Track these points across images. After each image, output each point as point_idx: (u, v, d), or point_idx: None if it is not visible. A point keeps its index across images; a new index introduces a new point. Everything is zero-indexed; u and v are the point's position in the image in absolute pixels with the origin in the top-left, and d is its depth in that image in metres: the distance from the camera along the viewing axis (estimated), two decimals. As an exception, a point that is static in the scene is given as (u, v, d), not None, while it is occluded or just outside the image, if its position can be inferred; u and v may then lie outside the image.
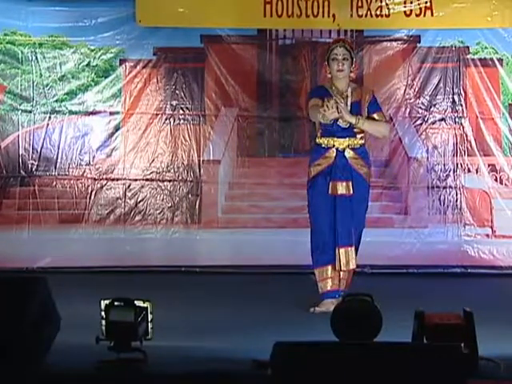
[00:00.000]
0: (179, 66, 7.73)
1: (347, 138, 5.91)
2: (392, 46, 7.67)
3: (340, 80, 5.98)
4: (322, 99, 5.89)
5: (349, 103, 5.90)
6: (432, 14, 7.50)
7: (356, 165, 5.93)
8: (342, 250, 5.90)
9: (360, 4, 7.49)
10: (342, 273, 5.92)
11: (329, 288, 5.91)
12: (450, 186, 7.62)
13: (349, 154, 5.92)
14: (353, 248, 5.93)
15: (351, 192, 5.89)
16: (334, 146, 5.92)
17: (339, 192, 5.89)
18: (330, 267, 5.90)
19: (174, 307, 5.75)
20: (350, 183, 5.89)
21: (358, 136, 5.94)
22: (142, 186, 7.67)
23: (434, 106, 7.67)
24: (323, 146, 5.95)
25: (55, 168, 7.65)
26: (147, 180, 7.67)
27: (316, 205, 5.99)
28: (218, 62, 7.64)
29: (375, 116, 5.98)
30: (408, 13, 7.52)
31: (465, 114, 7.65)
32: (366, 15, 7.50)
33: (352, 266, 5.94)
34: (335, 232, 5.89)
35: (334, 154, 5.91)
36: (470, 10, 7.49)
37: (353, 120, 5.83)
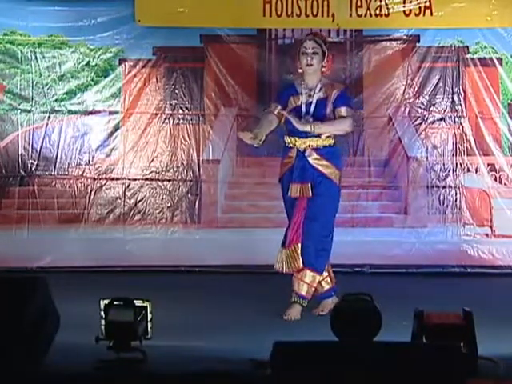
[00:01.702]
0: (179, 65, 7.73)
1: (308, 138, 5.70)
2: (391, 45, 7.67)
3: (310, 75, 5.78)
4: (286, 102, 5.75)
5: (314, 100, 5.74)
6: (431, 14, 7.50)
7: (319, 166, 5.72)
8: (283, 250, 5.75)
9: (359, 4, 7.49)
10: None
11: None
12: (450, 186, 7.62)
13: (309, 154, 5.72)
14: (292, 247, 5.70)
15: (307, 194, 5.68)
16: (295, 145, 5.76)
17: (293, 194, 5.72)
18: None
19: (174, 307, 5.75)
20: (309, 185, 5.68)
21: (323, 136, 5.71)
22: (142, 186, 7.67)
23: (434, 105, 7.67)
24: (287, 145, 5.80)
25: (55, 167, 7.65)
26: (147, 180, 7.67)
27: (285, 206, 5.89)
28: (218, 61, 7.63)
29: (341, 111, 5.72)
30: (407, 12, 7.52)
31: (464, 114, 7.65)
32: (365, 15, 7.50)
33: (287, 268, 5.73)
34: (286, 233, 5.75)
35: (295, 155, 5.75)
36: (470, 10, 7.49)
37: (307, 128, 5.63)
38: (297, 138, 5.73)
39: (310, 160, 5.72)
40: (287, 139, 5.80)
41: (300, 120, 5.69)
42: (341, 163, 5.91)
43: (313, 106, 5.73)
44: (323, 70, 5.83)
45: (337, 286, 5.88)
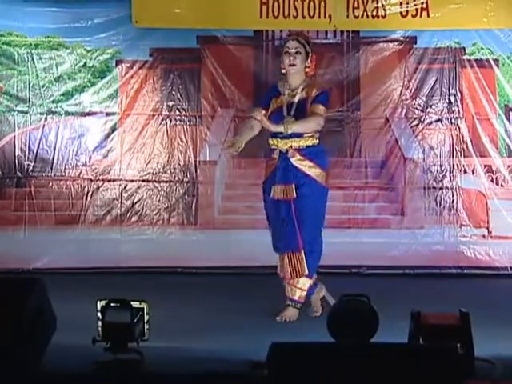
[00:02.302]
0: (175, 66, 7.73)
1: (290, 139, 5.61)
2: (388, 46, 7.68)
3: (293, 75, 5.69)
4: (268, 104, 5.68)
5: (296, 101, 5.65)
6: (428, 15, 7.50)
7: (302, 166, 5.65)
8: (281, 256, 5.70)
9: (356, 5, 7.49)
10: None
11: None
12: (447, 187, 7.62)
13: (292, 155, 5.65)
14: (294, 254, 5.65)
15: (291, 196, 5.60)
16: (277, 147, 5.68)
17: (276, 196, 5.65)
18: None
19: (171, 308, 5.75)
20: (292, 186, 5.61)
21: (307, 136, 5.65)
22: (139, 187, 7.67)
23: (431, 106, 7.68)
24: (271, 147, 5.74)
25: (51, 169, 7.65)
26: (143, 181, 7.67)
27: (266, 209, 5.81)
28: (215, 62, 7.64)
29: (315, 107, 5.62)
30: (404, 14, 7.52)
31: (461, 115, 7.66)
32: (362, 16, 7.50)
33: (289, 273, 5.67)
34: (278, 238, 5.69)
35: (277, 156, 5.68)
36: (466, 11, 7.49)
37: (280, 129, 5.53)
38: (279, 139, 5.66)
39: (293, 161, 5.64)
40: (270, 141, 5.73)
41: (279, 121, 5.62)
42: (326, 163, 5.80)
43: (294, 107, 5.65)
44: (307, 70, 5.74)
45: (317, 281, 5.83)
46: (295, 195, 5.61)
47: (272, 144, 5.72)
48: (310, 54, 5.73)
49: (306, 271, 5.68)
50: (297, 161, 5.64)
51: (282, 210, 5.65)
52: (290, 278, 5.69)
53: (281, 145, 5.66)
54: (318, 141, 5.74)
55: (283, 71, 5.76)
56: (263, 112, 5.65)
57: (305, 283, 5.73)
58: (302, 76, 5.73)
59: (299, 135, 5.64)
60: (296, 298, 5.72)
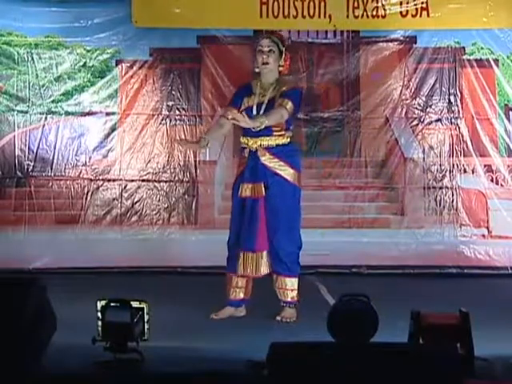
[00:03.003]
0: (175, 66, 7.73)
1: (259, 138, 5.56)
2: (388, 46, 7.68)
3: (266, 74, 5.64)
4: (240, 103, 5.65)
5: (266, 100, 5.60)
6: (428, 15, 7.50)
7: (271, 165, 5.59)
8: (242, 255, 5.63)
9: (356, 5, 7.49)
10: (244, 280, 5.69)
11: (234, 297, 5.73)
12: (446, 187, 7.62)
13: (261, 153, 5.59)
14: (261, 253, 5.62)
15: (260, 195, 5.55)
16: (247, 145, 5.65)
17: (244, 195, 5.59)
18: (237, 277, 5.70)
19: (171, 308, 5.75)
20: (261, 185, 5.55)
21: (276, 134, 5.58)
22: (139, 187, 7.67)
23: (430, 106, 7.68)
24: (242, 146, 5.70)
25: (51, 169, 7.65)
26: (143, 181, 7.67)
27: (233, 207, 5.74)
28: (215, 62, 7.63)
29: (283, 101, 5.51)
30: (404, 13, 7.52)
31: (461, 115, 7.66)
32: (362, 16, 7.50)
33: (256, 272, 5.64)
34: (239, 236, 5.63)
35: (247, 155, 5.64)
36: (466, 11, 7.49)
37: (255, 124, 5.42)
38: (249, 138, 5.62)
39: (262, 159, 5.59)
40: (242, 139, 5.70)
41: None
42: (297, 162, 5.71)
43: (264, 106, 5.59)
44: (281, 69, 5.69)
45: (249, 300, 5.78)
46: (264, 194, 5.57)
47: (243, 143, 5.69)
48: (284, 53, 5.67)
49: (267, 271, 5.65)
50: (266, 160, 5.59)
51: (249, 208, 5.60)
52: (249, 275, 5.66)
53: (250, 143, 5.62)
54: (289, 140, 5.67)
55: (257, 70, 5.72)
56: (234, 111, 5.62)
57: (293, 283, 5.70)
58: (275, 75, 5.67)
59: (269, 134, 5.58)
60: (289, 299, 5.70)
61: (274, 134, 5.59)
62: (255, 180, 5.58)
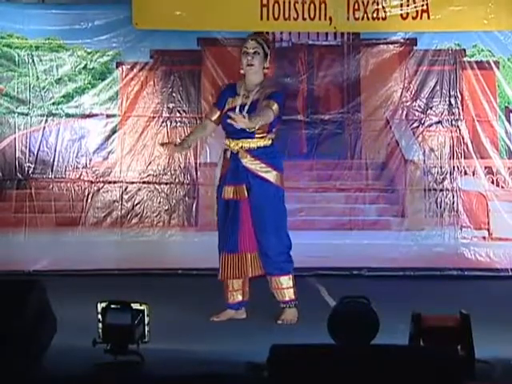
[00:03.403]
0: (176, 68, 7.73)
1: (241, 140, 5.57)
2: (389, 48, 7.68)
3: (251, 75, 5.64)
4: (224, 104, 5.66)
5: (249, 102, 5.59)
6: (428, 17, 7.50)
7: (254, 167, 5.59)
8: (224, 257, 5.66)
9: (356, 7, 7.49)
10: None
11: (232, 300, 5.74)
12: (447, 189, 7.62)
13: (242, 156, 5.59)
14: (245, 254, 5.63)
15: (242, 197, 5.57)
16: (229, 147, 5.66)
17: (227, 197, 5.62)
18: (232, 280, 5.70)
19: (171, 310, 5.75)
20: (243, 187, 5.57)
21: (258, 136, 5.58)
22: (139, 189, 7.67)
23: (431, 108, 7.68)
24: (225, 147, 5.72)
25: (52, 171, 7.65)
26: (144, 183, 7.67)
27: (218, 210, 5.78)
28: (215, 64, 7.64)
29: (268, 102, 5.52)
30: (404, 16, 7.52)
31: (461, 117, 7.66)
32: (362, 18, 7.50)
33: (240, 274, 5.65)
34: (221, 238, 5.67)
35: (229, 157, 5.65)
36: (467, 13, 7.49)
37: (252, 125, 5.42)
38: (231, 140, 5.64)
39: (244, 162, 5.59)
40: (225, 141, 5.72)
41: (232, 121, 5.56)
42: (280, 163, 5.70)
43: (246, 108, 5.59)
44: (265, 71, 5.72)
45: (248, 301, 5.78)
46: (246, 196, 5.59)
47: (225, 145, 5.72)
48: (269, 55, 5.71)
49: (256, 273, 5.66)
50: (247, 162, 5.60)
51: (232, 210, 5.63)
52: (229, 278, 5.67)
53: (232, 145, 5.64)
54: (271, 142, 5.66)
55: (242, 71, 5.73)
56: (218, 113, 5.69)
57: (288, 281, 5.70)
58: (260, 77, 5.69)
59: (250, 136, 5.58)
60: (286, 298, 5.70)
61: (256, 136, 5.60)
62: (237, 182, 5.61)
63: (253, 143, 5.60)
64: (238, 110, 5.61)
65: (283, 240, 5.70)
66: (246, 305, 5.80)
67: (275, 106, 5.55)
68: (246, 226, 5.62)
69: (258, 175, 5.60)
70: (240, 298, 5.77)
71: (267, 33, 7.70)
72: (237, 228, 5.62)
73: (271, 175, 5.63)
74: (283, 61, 7.76)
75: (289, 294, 5.70)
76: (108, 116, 7.70)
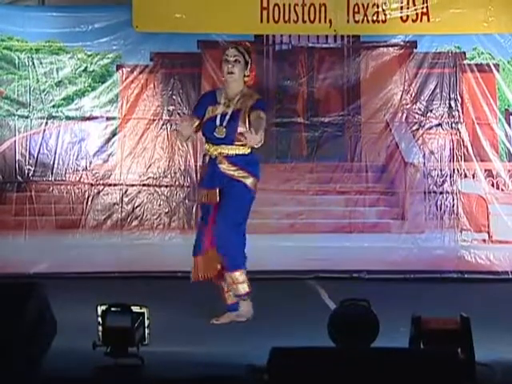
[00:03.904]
0: (176, 71, 7.73)
1: (220, 146, 5.62)
2: (388, 51, 7.68)
3: (231, 84, 5.69)
4: (204, 112, 5.68)
5: (230, 112, 5.64)
6: (428, 20, 7.51)
7: (230, 173, 5.64)
8: (193, 260, 5.72)
9: (357, 10, 7.49)
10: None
11: (227, 302, 5.75)
12: (447, 192, 7.62)
13: (220, 161, 5.64)
14: (207, 253, 5.67)
15: (214, 200, 5.61)
16: (208, 152, 5.70)
17: (202, 200, 5.70)
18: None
19: (171, 312, 5.75)
20: (216, 191, 5.60)
21: (237, 144, 5.63)
22: (139, 192, 7.67)
23: (431, 111, 7.68)
24: (204, 152, 5.78)
25: (52, 173, 7.65)
26: (144, 185, 7.67)
27: (201, 213, 5.85)
28: (215, 67, 7.62)
29: (258, 113, 5.59)
30: (404, 18, 7.53)
31: (461, 120, 7.66)
32: (362, 21, 7.50)
33: (207, 274, 5.69)
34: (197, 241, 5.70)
35: (207, 161, 5.72)
36: (467, 16, 7.50)
37: (257, 140, 5.44)
38: (210, 145, 5.70)
39: (220, 167, 5.64)
40: (205, 146, 5.79)
41: (212, 130, 5.63)
42: (257, 171, 5.74)
43: (227, 118, 5.63)
44: (246, 79, 5.73)
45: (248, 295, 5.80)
46: (218, 200, 5.62)
47: (205, 149, 5.78)
48: (250, 64, 5.72)
49: (218, 268, 5.67)
50: (225, 167, 5.65)
51: (205, 214, 5.70)
52: (198, 279, 5.73)
53: (211, 150, 5.69)
54: (250, 150, 5.69)
55: (222, 79, 5.77)
56: (197, 122, 5.69)
57: (241, 275, 5.69)
58: (240, 85, 5.72)
59: (229, 143, 5.63)
60: (242, 292, 5.70)
61: (235, 143, 5.64)
62: (211, 186, 5.65)
63: (232, 150, 5.65)
64: (218, 118, 5.66)
65: (241, 238, 5.73)
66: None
67: (264, 116, 5.65)
68: (210, 227, 5.66)
69: (233, 179, 5.65)
70: (236, 298, 5.78)
71: (267, 35, 7.74)
72: (206, 230, 5.67)
73: (247, 180, 5.68)
74: (283, 63, 7.77)
75: (243, 287, 5.69)
76: (108, 118, 7.71)
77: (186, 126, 5.66)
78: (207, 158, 5.74)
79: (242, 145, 5.64)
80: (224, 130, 5.63)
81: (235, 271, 5.70)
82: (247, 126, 5.64)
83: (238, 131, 5.63)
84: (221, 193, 5.63)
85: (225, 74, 5.71)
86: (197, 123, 5.73)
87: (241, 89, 5.72)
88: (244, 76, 5.71)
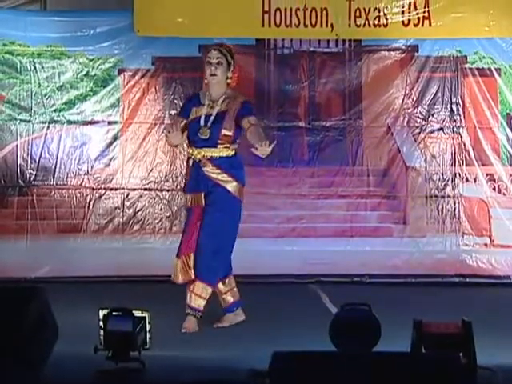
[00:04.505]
0: (177, 75, 7.73)
1: (204, 149, 5.60)
2: (390, 55, 7.69)
3: (214, 85, 5.67)
4: (189, 114, 5.65)
5: (214, 113, 5.63)
6: (430, 24, 7.51)
7: (213, 176, 5.60)
8: (177, 260, 5.63)
9: (358, 14, 7.50)
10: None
11: (223, 305, 5.73)
12: (449, 196, 7.62)
13: (204, 164, 5.61)
14: (188, 256, 5.58)
15: (200, 205, 5.58)
16: (192, 155, 5.67)
17: (188, 204, 5.67)
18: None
19: (173, 317, 5.74)
20: (201, 195, 5.57)
21: (221, 146, 5.62)
22: (141, 196, 7.67)
23: (432, 115, 7.68)
24: (188, 156, 5.75)
25: (53, 178, 7.65)
26: (146, 189, 7.67)
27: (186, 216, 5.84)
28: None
29: (250, 120, 5.58)
30: (406, 22, 7.53)
31: (463, 124, 7.66)
32: (364, 25, 7.51)
33: (185, 277, 5.58)
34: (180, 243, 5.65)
35: (191, 165, 5.68)
36: (468, 20, 7.50)
37: (268, 151, 5.39)
38: (194, 148, 5.68)
39: (204, 170, 5.61)
40: (188, 149, 5.76)
41: (196, 131, 5.61)
42: (241, 175, 5.72)
43: (211, 119, 5.62)
44: (228, 81, 5.71)
45: (241, 301, 5.79)
46: (203, 204, 5.59)
47: (188, 153, 5.75)
48: (232, 65, 5.71)
49: (193, 276, 5.58)
50: (208, 171, 5.62)
51: (191, 218, 5.66)
52: (179, 281, 5.64)
53: (195, 154, 5.66)
54: (234, 152, 5.68)
55: (205, 81, 5.75)
56: (184, 122, 5.65)
57: (205, 291, 5.60)
58: (223, 87, 5.70)
59: (213, 145, 5.62)
60: (195, 305, 5.60)
61: (219, 146, 5.63)
62: (197, 190, 5.62)
63: (215, 152, 5.63)
64: (203, 119, 5.65)
65: (227, 252, 5.66)
66: (242, 304, 5.78)
67: (258, 121, 5.69)
68: (194, 231, 5.61)
69: (217, 184, 5.61)
70: (231, 299, 5.77)
71: (268, 39, 7.74)
72: (190, 234, 5.62)
73: (231, 186, 5.63)
74: (285, 68, 7.77)
75: (199, 303, 5.59)
76: (110, 123, 7.71)
77: (175, 135, 5.61)
78: (191, 162, 5.69)
79: (226, 147, 5.64)
80: (208, 130, 5.60)
81: (201, 283, 5.59)
82: (234, 129, 5.62)
83: (222, 133, 5.62)
84: (206, 197, 5.60)
85: (207, 76, 5.68)
86: (183, 123, 5.68)
87: (224, 90, 5.70)
88: (227, 78, 5.70)
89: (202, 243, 5.58)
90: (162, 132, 7.68)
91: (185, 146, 6.04)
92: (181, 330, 5.56)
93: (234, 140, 5.68)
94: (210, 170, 5.61)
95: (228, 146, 5.65)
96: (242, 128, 5.63)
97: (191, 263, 5.59)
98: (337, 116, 7.74)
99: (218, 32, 7.52)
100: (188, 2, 7.57)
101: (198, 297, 5.60)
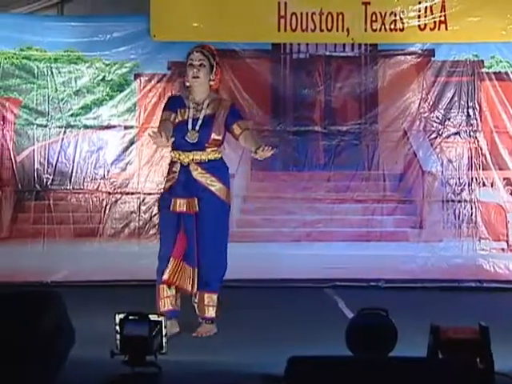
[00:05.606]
0: (194, 80, 7.74)
1: (192, 152, 5.53)
2: (406, 59, 7.68)
3: (196, 88, 5.60)
4: (175, 112, 5.59)
5: (202, 116, 5.57)
6: (446, 28, 7.50)
7: (204, 180, 5.55)
8: (174, 262, 5.53)
9: (374, 18, 7.49)
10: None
11: (163, 308, 5.56)
12: (465, 200, 7.60)
13: (193, 168, 5.54)
14: (191, 269, 5.53)
15: (194, 209, 5.49)
16: (178, 159, 5.57)
17: (178, 209, 5.51)
18: (165, 286, 5.58)
19: (188, 321, 5.75)
20: (195, 200, 5.49)
21: (209, 149, 5.57)
22: (157, 200, 7.68)
23: (449, 119, 7.66)
24: (172, 159, 5.64)
25: (70, 182, 7.68)
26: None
27: (162, 220, 5.74)
28: (232, 76, 7.65)
29: (237, 126, 5.56)
30: (422, 27, 7.52)
31: (479, 128, 7.64)
32: (380, 29, 7.50)
33: (182, 285, 5.53)
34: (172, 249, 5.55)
35: (178, 169, 5.57)
36: (485, 24, 7.48)
37: (269, 154, 5.42)
38: (180, 152, 5.58)
39: (194, 174, 5.54)
40: (172, 153, 5.65)
41: (183, 134, 5.53)
42: (227, 178, 5.70)
43: (199, 122, 5.55)
44: (211, 83, 5.64)
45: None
46: (197, 209, 5.51)
47: (173, 157, 5.64)
48: (215, 67, 5.64)
49: (196, 288, 5.56)
50: (198, 174, 5.56)
51: (183, 223, 5.53)
52: (164, 283, 5.59)
53: (182, 158, 5.57)
54: (220, 155, 5.66)
55: (187, 84, 5.67)
56: (173, 116, 5.58)
57: (211, 299, 5.61)
58: (206, 89, 5.63)
59: (202, 148, 5.56)
60: (207, 315, 5.61)
61: (207, 149, 5.58)
62: (189, 195, 5.52)
63: (204, 155, 5.57)
64: (190, 123, 5.59)
65: (221, 257, 5.65)
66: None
67: (248, 124, 5.75)
68: (194, 240, 5.54)
69: (207, 189, 5.56)
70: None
71: (284, 44, 7.75)
72: (190, 241, 5.53)
73: (219, 189, 5.59)
74: (300, 72, 7.77)
75: (210, 312, 5.61)
76: (126, 127, 7.73)
77: (160, 142, 5.46)
78: (177, 166, 5.58)
79: (214, 150, 5.59)
80: (196, 134, 5.53)
81: (206, 293, 5.58)
82: (223, 133, 5.60)
83: (212, 137, 5.56)
84: (199, 202, 5.52)
85: (190, 79, 5.60)
86: (174, 116, 5.58)
87: (207, 93, 5.63)
88: (209, 80, 5.62)
89: (204, 255, 5.53)
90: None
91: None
92: (196, 334, 5.57)
93: (222, 143, 5.68)
94: (200, 174, 5.55)
95: (216, 149, 5.61)
96: (231, 132, 5.61)
97: (195, 275, 5.53)
98: (353, 120, 7.73)
99: (233, 37, 7.55)
100: (204, 7, 7.58)
101: (207, 306, 5.60)
